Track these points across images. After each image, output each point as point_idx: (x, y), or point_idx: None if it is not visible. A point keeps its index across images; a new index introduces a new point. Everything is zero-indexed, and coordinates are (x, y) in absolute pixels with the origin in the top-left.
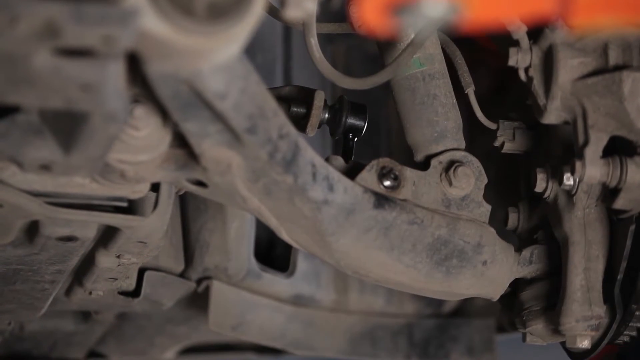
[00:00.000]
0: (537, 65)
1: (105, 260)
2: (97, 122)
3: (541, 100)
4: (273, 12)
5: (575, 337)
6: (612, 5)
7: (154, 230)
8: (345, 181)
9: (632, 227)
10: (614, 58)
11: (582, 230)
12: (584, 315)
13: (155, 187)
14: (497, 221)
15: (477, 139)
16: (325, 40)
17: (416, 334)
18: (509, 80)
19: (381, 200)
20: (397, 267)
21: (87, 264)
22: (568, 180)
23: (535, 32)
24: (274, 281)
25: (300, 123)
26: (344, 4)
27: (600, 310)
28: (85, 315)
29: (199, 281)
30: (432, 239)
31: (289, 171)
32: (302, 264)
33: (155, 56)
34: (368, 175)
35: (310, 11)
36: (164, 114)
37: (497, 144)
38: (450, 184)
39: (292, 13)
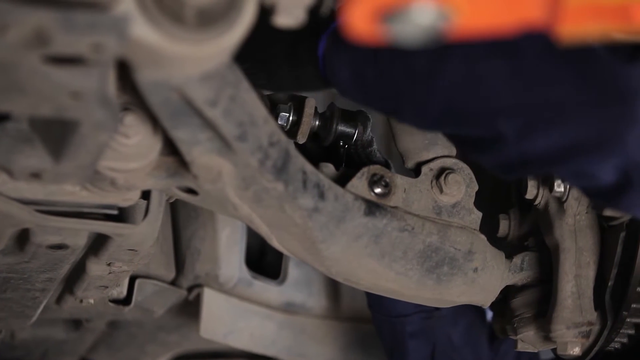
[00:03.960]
0: None
1: (96, 268)
2: (87, 130)
3: None
4: (263, 19)
5: (566, 344)
6: (601, 12)
7: (145, 238)
8: (336, 188)
9: (623, 234)
10: None
11: (572, 237)
12: (575, 322)
13: (146, 195)
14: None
15: None
16: None
17: None
18: None
19: (372, 207)
20: (388, 275)
21: (77, 272)
22: (559, 187)
23: None
24: (265, 289)
25: (291, 130)
26: (334, 11)
27: (591, 316)
28: (76, 324)
29: (190, 289)
30: (423, 246)
31: (280, 178)
32: (293, 272)
33: (145, 64)
34: (359, 183)
35: (300, 18)
36: (155, 122)
37: None
38: (441, 191)
39: (283, 20)
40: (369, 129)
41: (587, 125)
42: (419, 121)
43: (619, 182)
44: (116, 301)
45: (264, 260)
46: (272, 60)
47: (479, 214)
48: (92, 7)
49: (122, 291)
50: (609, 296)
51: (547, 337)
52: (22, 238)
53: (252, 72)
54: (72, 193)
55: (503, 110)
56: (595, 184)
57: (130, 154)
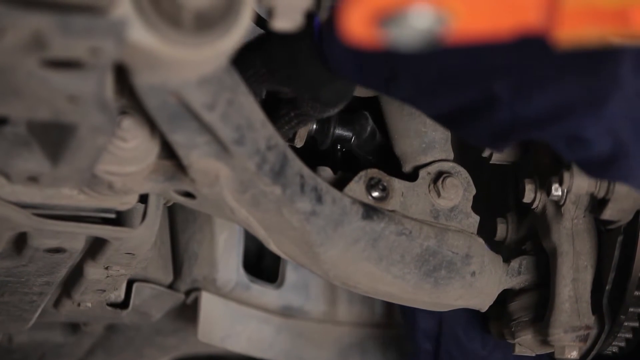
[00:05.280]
0: None
1: (93, 271)
2: (85, 133)
3: None
4: (261, 23)
5: (564, 348)
6: (600, 16)
7: (143, 241)
8: (334, 192)
9: (620, 238)
10: None
11: (570, 241)
12: (573, 326)
13: (144, 199)
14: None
15: (465, 150)
16: None
17: (406, 345)
18: None
19: (369, 211)
20: (385, 278)
21: (75, 276)
22: (556, 190)
23: None
24: (262, 292)
25: None
26: (331, 15)
27: (589, 320)
28: (73, 327)
29: (187, 292)
30: (421, 250)
31: (277, 182)
32: (291, 275)
33: (142, 67)
34: (356, 186)
35: (298, 22)
36: (152, 126)
37: (485, 154)
38: (439, 194)
39: (281, 24)
40: (369, 128)
41: (579, 84)
42: (415, 88)
43: (613, 149)
44: (114, 305)
45: (261, 264)
46: (266, 39)
47: (477, 218)
48: (90, 11)
49: (119, 295)
50: (606, 300)
51: (544, 341)
52: (20, 242)
53: (248, 55)
54: (70, 197)
55: (498, 69)
56: (590, 153)
57: (127, 157)
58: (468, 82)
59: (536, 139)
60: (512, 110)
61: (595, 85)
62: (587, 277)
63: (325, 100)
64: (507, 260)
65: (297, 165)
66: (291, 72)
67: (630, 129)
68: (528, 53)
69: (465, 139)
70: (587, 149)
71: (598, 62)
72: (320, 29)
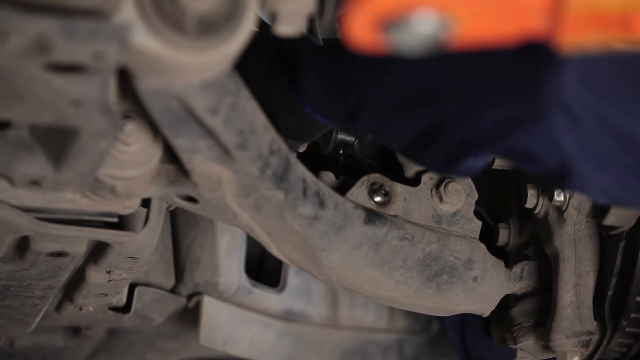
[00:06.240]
0: None
1: (95, 275)
2: (88, 137)
3: None
4: (264, 28)
5: (566, 354)
6: (603, 21)
7: (145, 245)
8: (336, 197)
9: (622, 244)
10: None
11: (572, 247)
12: (575, 331)
13: (146, 203)
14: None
15: None
16: None
17: (407, 350)
18: None
19: (372, 216)
20: (387, 283)
21: (77, 280)
22: (559, 196)
23: None
24: (264, 297)
25: None
26: (335, 20)
27: (591, 326)
28: (75, 331)
29: (189, 297)
30: (423, 255)
31: (280, 187)
32: (292, 280)
33: (145, 72)
34: (359, 191)
35: (302, 27)
36: (155, 130)
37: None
38: (441, 199)
39: (284, 29)
40: None
41: (521, 99)
42: (377, 118)
43: (563, 163)
44: (116, 309)
45: (263, 269)
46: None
47: (479, 223)
48: (93, 16)
49: (121, 299)
50: (608, 306)
51: (546, 347)
52: (22, 245)
53: None
54: (72, 201)
55: (446, 90)
56: (542, 168)
57: (130, 161)
58: (421, 106)
59: (494, 155)
60: (461, 129)
61: (536, 100)
62: (589, 282)
63: (283, 128)
64: (508, 265)
65: (299, 169)
66: (261, 95)
67: (575, 143)
68: (473, 72)
69: (426, 167)
70: (539, 164)
71: (540, 75)
72: (298, 59)
